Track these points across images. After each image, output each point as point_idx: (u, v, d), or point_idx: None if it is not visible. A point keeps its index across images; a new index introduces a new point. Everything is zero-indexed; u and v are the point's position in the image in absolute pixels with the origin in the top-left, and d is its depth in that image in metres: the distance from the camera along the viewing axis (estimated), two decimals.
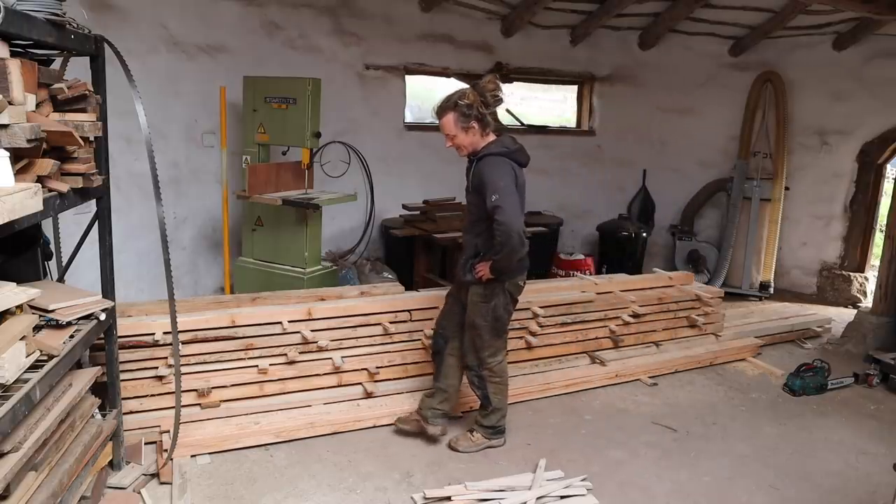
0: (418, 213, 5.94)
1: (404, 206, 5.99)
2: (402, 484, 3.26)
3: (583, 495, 3.17)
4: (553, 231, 6.42)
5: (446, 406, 3.65)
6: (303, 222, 4.84)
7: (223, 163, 5.13)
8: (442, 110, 3.26)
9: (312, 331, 3.80)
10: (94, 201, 2.83)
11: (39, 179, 2.12)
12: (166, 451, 3.22)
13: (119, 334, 3.14)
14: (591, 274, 5.80)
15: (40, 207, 2.03)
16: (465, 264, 3.44)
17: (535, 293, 4.54)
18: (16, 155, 1.98)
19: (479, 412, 3.68)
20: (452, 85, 6.91)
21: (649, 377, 4.64)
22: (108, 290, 2.96)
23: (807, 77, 6.80)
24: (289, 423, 3.59)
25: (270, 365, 3.71)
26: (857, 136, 6.77)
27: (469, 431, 3.64)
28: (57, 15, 2.26)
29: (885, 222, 5.80)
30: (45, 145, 2.17)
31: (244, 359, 3.69)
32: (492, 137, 3.31)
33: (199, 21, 5.21)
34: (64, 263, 3.29)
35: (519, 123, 6.94)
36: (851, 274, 6.93)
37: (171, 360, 3.42)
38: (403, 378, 4.09)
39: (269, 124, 4.87)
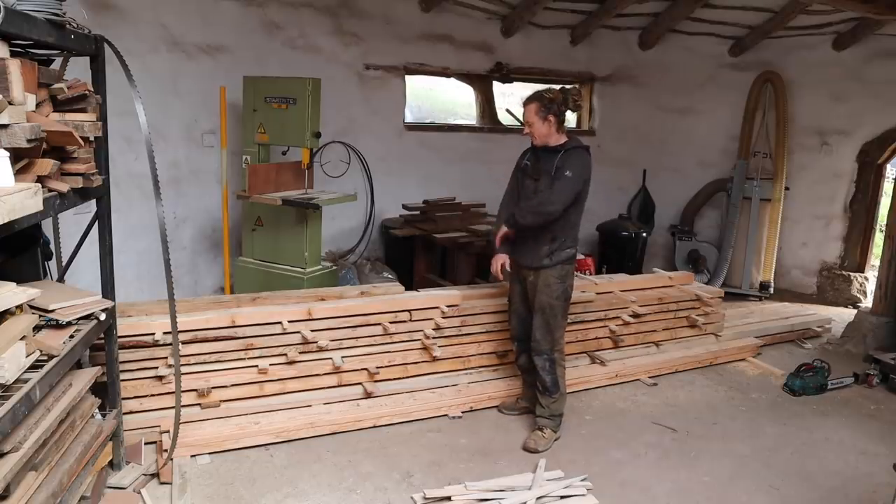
0: (418, 213, 5.94)
1: (404, 206, 5.99)
2: (402, 484, 3.26)
3: (583, 495, 3.16)
4: None
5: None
6: (303, 222, 4.84)
7: (223, 163, 5.13)
8: (528, 99, 3.64)
9: (312, 331, 3.80)
10: (94, 201, 2.83)
11: (39, 179, 2.12)
12: (166, 451, 3.22)
13: (119, 334, 3.14)
14: (591, 274, 5.79)
15: (40, 207, 2.02)
16: (538, 250, 3.61)
17: None
18: (16, 155, 1.98)
19: (544, 401, 3.72)
20: (452, 85, 6.92)
21: (649, 377, 4.64)
22: (108, 290, 2.96)
23: (807, 77, 6.80)
24: (289, 423, 3.59)
25: (270, 365, 3.70)
26: (857, 136, 6.76)
27: (539, 429, 3.70)
28: (57, 15, 2.26)
29: (885, 222, 5.80)
30: (45, 145, 2.17)
31: (244, 359, 3.69)
32: (565, 136, 3.63)
33: (199, 21, 5.21)
34: (64, 263, 3.28)
35: (519, 123, 6.93)
36: (851, 274, 6.93)
37: (171, 360, 3.42)
38: (403, 378, 4.09)
39: (269, 124, 4.87)
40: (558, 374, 3.71)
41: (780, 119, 6.83)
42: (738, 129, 7.07)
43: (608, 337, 4.75)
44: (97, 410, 2.93)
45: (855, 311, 5.84)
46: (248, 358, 3.70)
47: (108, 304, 2.86)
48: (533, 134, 3.62)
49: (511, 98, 7.71)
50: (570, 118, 7.56)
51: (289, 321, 3.77)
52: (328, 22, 5.79)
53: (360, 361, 3.94)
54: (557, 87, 3.64)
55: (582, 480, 3.26)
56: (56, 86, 2.37)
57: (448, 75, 6.65)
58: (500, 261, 3.84)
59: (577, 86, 3.69)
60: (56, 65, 2.61)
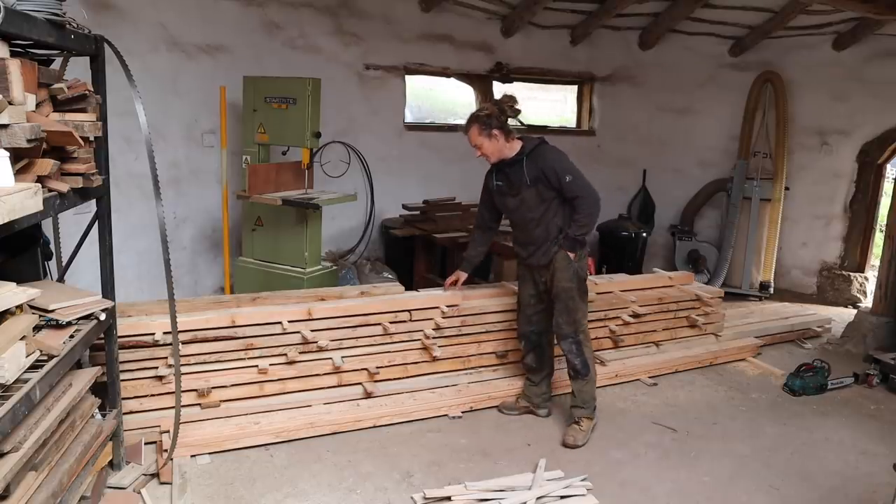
0: (418, 213, 5.94)
1: (404, 206, 5.99)
2: (402, 484, 3.26)
3: (583, 495, 3.16)
4: None
5: (549, 390, 4.04)
6: (303, 222, 4.84)
7: (223, 163, 5.13)
8: (467, 126, 3.63)
9: (312, 331, 3.80)
10: (94, 201, 2.83)
11: (39, 179, 2.12)
12: (166, 451, 3.22)
13: (119, 334, 3.14)
14: (590, 274, 5.80)
15: (40, 207, 2.02)
16: (549, 246, 3.66)
17: None
18: (16, 155, 1.98)
19: (576, 386, 3.76)
20: (452, 85, 6.93)
21: (649, 377, 4.64)
22: (108, 290, 2.96)
23: (807, 77, 6.80)
24: (289, 423, 3.59)
25: (270, 365, 3.70)
26: (857, 136, 6.77)
27: (575, 423, 3.73)
28: (57, 15, 2.26)
29: (885, 222, 5.80)
30: (45, 145, 2.17)
31: (244, 359, 3.69)
32: (517, 142, 3.63)
33: (199, 21, 5.21)
34: (64, 263, 3.28)
35: (519, 123, 6.92)
36: (851, 274, 6.93)
37: (171, 360, 3.42)
38: (403, 378, 4.09)
39: (269, 124, 4.87)
40: (587, 356, 3.74)
41: (780, 119, 6.82)
42: (738, 129, 7.07)
43: (608, 337, 4.75)
44: (97, 410, 2.93)
45: (855, 311, 5.84)
46: (248, 358, 3.70)
47: (108, 304, 2.86)
48: (486, 154, 3.63)
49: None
50: (571, 119, 7.57)
51: (289, 321, 3.77)
52: (328, 22, 5.79)
53: (360, 361, 3.94)
54: (490, 101, 3.67)
55: (582, 480, 3.26)
56: (56, 86, 2.37)
57: (448, 75, 6.65)
58: (457, 278, 4.07)
59: (507, 92, 3.76)
60: (56, 65, 2.61)
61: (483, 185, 3.90)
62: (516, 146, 3.63)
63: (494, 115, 3.54)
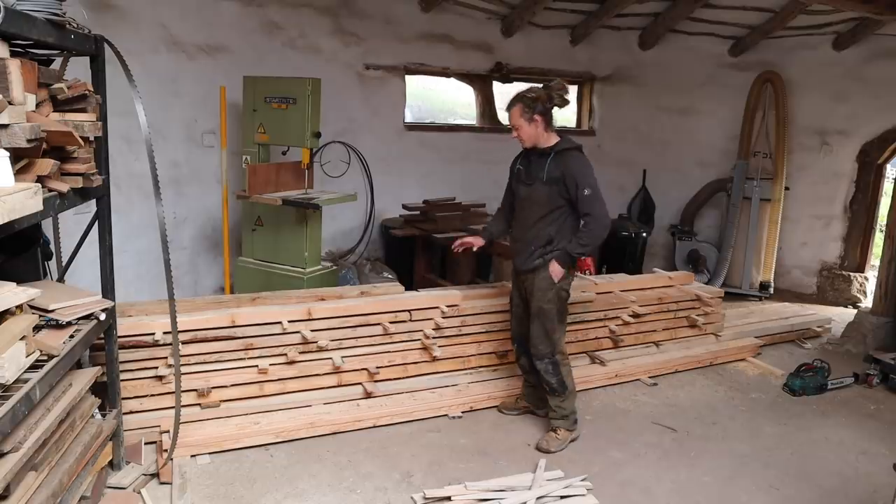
0: (418, 213, 5.94)
1: (404, 206, 5.99)
2: (402, 484, 3.26)
3: (583, 495, 3.16)
4: None
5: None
6: (303, 222, 4.84)
7: (223, 163, 5.13)
8: (511, 103, 3.53)
9: (312, 331, 3.80)
10: (94, 201, 2.83)
11: (39, 179, 2.12)
12: (166, 451, 3.21)
13: (119, 334, 3.14)
14: (590, 274, 5.79)
15: (40, 207, 2.03)
16: (532, 253, 3.56)
17: None
18: (16, 155, 1.98)
19: (553, 402, 3.70)
20: (452, 85, 6.94)
21: (649, 377, 4.64)
22: (108, 289, 2.96)
23: (807, 77, 6.81)
24: (289, 423, 3.59)
25: (270, 365, 3.71)
26: (857, 136, 6.77)
27: (552, 430, 3.69)
28: (57, 15, 2.26)
29: (885, 222, 5.80)
30: (45, 145, 2.17)
31: (244, 359, 3.69)
32: (555, 135, 3.54)
33: (199, 21, 5.21)
34: (64, 263, 3.28)
35: None
36: (851, 274, 6.94)
37: (171, 360, 3.42)
38: (403, 378, 4.09)
39: (269, 124, 4.87)
40: (563, 374, 3.68)
41: (780, 119, 6.82)
42: (738, 129, 7.07)
43: (608, 337, 4.75)
44: (97, 410, 2.94)
45: (855, 311, 5.84)
46: (248, 358, 3.70)
47: (108, 304, 2.86)
48: (521, 137, 3.53)
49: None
50: (571, 119, 7.57)
51: (289, 321, 3.77)
52: (328, 22, 5.79)
53: (360, 361, 3.94)
54: (540, 85, 3.55)
55: (582, 480, 3.26)
56: (56, 86, 2.37)
57: (448, 75, 6.66)
58: (473, 243, 3.91)
59: (559, 79, 3.66)
60: (56, 65, 2.61)
61: (510, 170, 3.81)
62: (553, 139, 3.52)
63: (542, 100, 3.44)
